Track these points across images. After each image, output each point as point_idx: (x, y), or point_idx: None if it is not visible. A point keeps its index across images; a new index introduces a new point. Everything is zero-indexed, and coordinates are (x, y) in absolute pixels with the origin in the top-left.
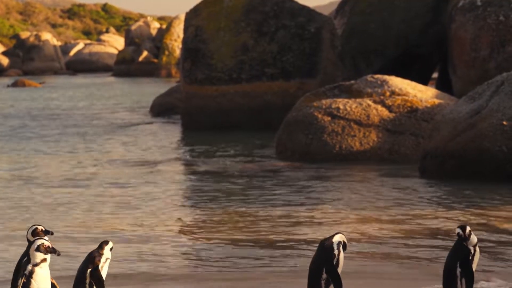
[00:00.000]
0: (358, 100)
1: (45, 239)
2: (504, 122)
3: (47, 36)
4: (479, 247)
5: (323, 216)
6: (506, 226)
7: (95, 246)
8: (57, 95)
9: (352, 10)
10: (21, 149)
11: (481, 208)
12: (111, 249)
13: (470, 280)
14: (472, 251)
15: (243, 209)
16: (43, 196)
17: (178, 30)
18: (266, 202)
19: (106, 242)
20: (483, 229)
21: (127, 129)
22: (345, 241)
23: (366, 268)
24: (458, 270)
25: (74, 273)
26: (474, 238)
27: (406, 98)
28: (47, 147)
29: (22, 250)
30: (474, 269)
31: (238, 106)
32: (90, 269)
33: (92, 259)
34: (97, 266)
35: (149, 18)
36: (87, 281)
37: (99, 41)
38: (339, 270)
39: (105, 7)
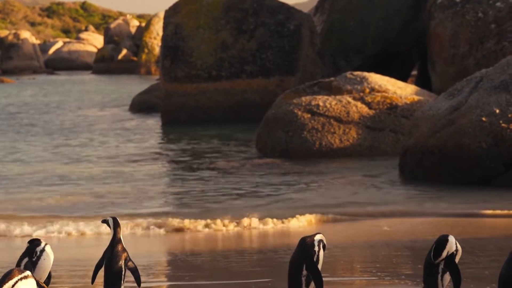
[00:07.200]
0: (337, 97)
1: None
2: (483, 118)
3: (26, 34)
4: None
5: (296, 215)
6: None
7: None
8: (34, 92)
9: (331, 7)
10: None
11: (457, 210)
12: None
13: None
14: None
15: (222, 205)
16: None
17: (158, 28)
18: (243, 199)
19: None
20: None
21: (107, 126)
22: (324, 241)
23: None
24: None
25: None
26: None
27: (386, 95)
28: (25, 144)
29: None
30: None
31: (217, 103)
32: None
33: (120, 254)
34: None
35: (128, 16)
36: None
37: (78, 39)
38: (319, 267)
39: (84, 5)
